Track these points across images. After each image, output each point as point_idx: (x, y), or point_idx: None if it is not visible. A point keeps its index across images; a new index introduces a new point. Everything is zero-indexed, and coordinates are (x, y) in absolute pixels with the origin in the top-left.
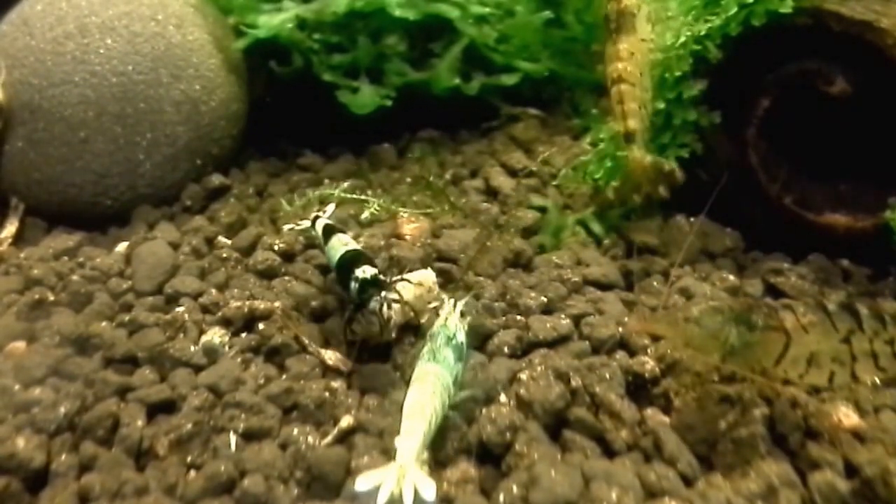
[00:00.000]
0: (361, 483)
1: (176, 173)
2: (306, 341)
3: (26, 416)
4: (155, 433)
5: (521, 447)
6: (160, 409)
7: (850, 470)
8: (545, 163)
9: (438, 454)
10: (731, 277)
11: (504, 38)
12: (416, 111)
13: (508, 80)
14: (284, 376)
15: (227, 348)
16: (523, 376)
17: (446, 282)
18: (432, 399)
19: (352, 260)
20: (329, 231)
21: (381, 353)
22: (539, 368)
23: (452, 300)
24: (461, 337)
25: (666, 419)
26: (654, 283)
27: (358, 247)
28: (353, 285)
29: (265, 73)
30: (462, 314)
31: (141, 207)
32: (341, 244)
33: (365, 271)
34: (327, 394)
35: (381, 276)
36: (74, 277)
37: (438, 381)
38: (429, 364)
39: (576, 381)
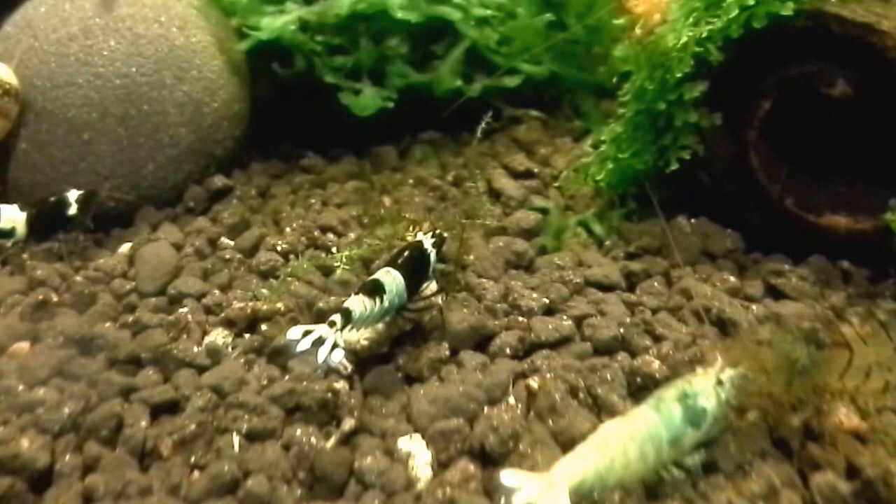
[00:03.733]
0: (508, 478)
1: (179, 174)
2: None
3: (30, 416)
4: (159, 434)
5: (525, 448)
6: (164, 409)
7: (852, 471)
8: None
9: (440, 455)
10: (732, 279)
11: (506, 40)
12: (418, 113)
13: (510, 81)
14: (287, 377)
15: (230, 349)
16: (526, 377)
17: (451, 284)
18: (626, 441)
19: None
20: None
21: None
22: (542, 370)
23: (722, 365)
24: (705, 403)
25: None
26: (655, 284)
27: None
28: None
29: (268, 75)
30: (721, 382)
31: (144, 209)
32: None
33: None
34: (330, 395)
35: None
36: (78, 278)
37: (646, 428)
38: (646, 409)
39: (578, 383)
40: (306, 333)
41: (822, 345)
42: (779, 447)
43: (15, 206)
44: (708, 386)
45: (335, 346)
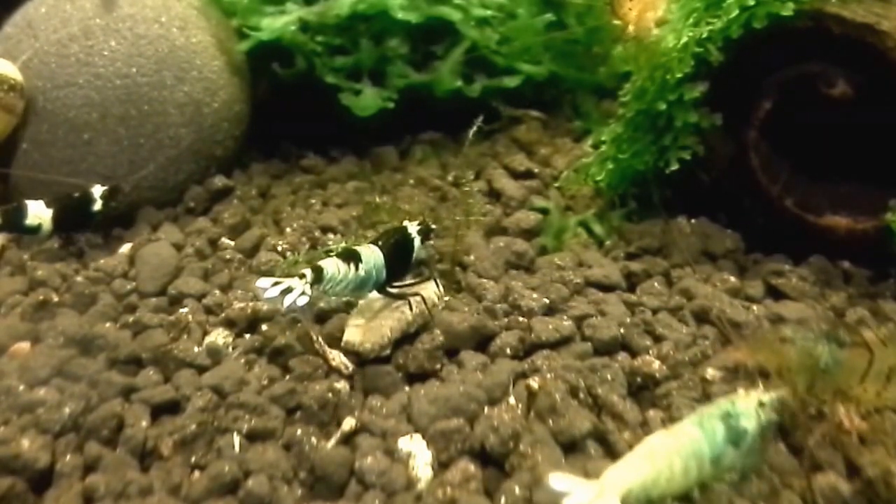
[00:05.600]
0: (558, 482)
1: (179, 175)
2: (315, 337)
3: (31, 416)
4: (159, 434)
5: (526, 448)
6: (164, 409)
7: (852, 471)
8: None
9: (441, 455)
10: (732, 279)
11: (506, 40)
12: (418, 113)
13: (510, 82)
14: (288, 377)
15: (230, 349)
16: (527, 377)
17: (449, 283)
18: (672, 455)
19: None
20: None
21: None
22: (542, 370)
23: (763, 390)
24: (747, 424)
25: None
26: (655, 285)
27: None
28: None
29: (268, 76)
30: (762, 404)
31: (144, 209)
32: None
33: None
34: (330, 395)
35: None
36: (78, 279)
37: (691, 444)
38: (689, 425)
39: (578, 383)
40: (276, 284)
41: (843, 344)
42: (787, 446)
43: (41, 203)
44: (750, 407)
45: (302, 294)
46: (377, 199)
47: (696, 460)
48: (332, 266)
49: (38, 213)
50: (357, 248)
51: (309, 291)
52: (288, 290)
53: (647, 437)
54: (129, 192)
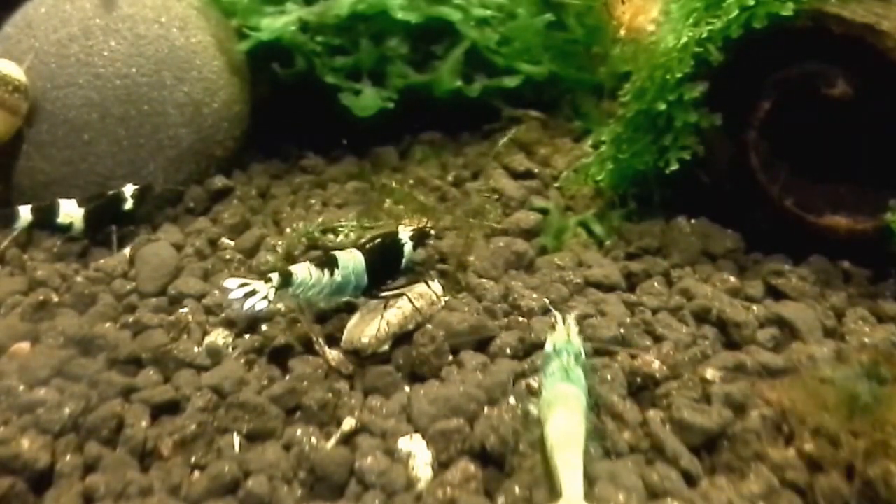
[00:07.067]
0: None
1: (179, 175)
2: (314, 337)
3: (31, 416)
4: (159, 434)
5: (526, 448)
6: (164, 409)
7: (853, 471)
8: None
9: (441, 455)
10: (732, 279)
11: (506, 40)
12: (418, 113)
13: (510, 82)
14: (288, 377)
15: (230, 349)
16: (526, 377)
17: (450, 283)
18: (580, 427)
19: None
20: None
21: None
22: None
23: (563, 316)
24: (584, 356)
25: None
26: (655, 285)
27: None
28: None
29: (268, 76)
30: (581, 331)
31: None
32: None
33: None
34: (330, 395)
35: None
36: (78, 279)
37: (580, 405)
38: (565, 385)
39: None
40: (242, 286)
41: (884, 380)
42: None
43: (73, 202)
44: (579, 340)
45: (264, 298)
46: (390, 183)
47: (586, 415)
48: (303, 271)
49: (70, 211)
50: (336, 252)
51: (272, 296)
52: (252, 293)
53: (554, 425)
54: (160, 192)
